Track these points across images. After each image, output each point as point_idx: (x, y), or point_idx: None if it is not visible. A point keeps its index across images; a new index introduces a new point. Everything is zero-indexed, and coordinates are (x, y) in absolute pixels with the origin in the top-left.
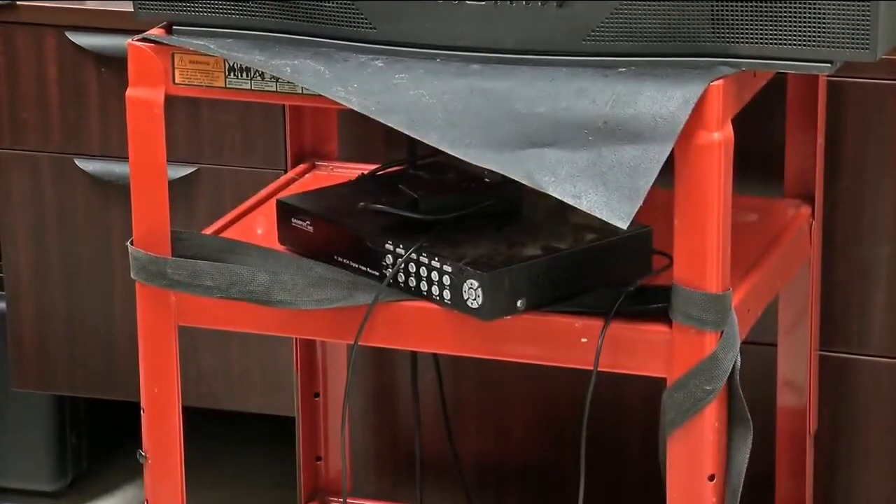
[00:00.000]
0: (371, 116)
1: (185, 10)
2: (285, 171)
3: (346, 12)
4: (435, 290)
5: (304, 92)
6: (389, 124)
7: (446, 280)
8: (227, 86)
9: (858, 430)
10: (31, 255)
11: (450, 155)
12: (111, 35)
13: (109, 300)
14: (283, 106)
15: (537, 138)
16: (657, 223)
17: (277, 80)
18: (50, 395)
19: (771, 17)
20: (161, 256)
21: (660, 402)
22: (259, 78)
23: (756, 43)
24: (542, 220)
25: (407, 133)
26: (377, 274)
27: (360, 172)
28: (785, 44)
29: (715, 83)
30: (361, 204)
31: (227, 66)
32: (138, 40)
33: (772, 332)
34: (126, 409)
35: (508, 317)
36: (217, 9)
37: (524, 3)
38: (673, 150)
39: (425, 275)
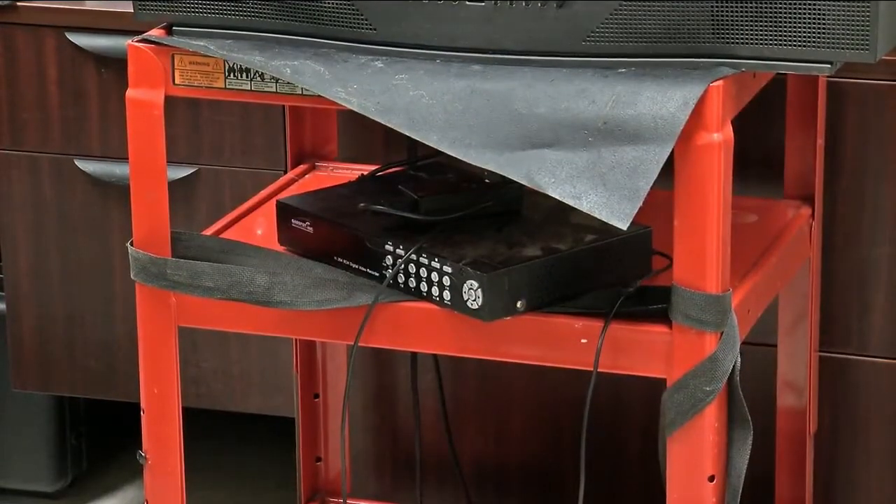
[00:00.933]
0: (371, 117)
1: (184, 11)
2: (285, 172)
3: (346, 13)
4: (435, 290)
5: (304, 92)
6: (389, 125)
7: (446, 281)
8: (227, 86)
9: (858, 430)
10: (31, 255)
11: (450, 156)
12: (111, 36)
13: (109, 300)
14: (283, 106)
15: (537, 139)
16: (657, 223)
17: (277, 81)
18: (50, 396)
19: (771, 17)
20: (161, 257)
21: (660, 403)
22: (259, 79)
23: (756, 44)
24: (542, 220)
25: (407, 134)
26: (377, 275)
27: (360, 173)
28: (785, 44)
29: (715, 84)
30: (361, 205)
31: (226, 67)
32: (138, 41)
33: (772, 333)
34: (126, 409)
35: (508, 317)
36: (217, 10)
37: (524, 3)
38: (673, 150)
39: (425, 275)
